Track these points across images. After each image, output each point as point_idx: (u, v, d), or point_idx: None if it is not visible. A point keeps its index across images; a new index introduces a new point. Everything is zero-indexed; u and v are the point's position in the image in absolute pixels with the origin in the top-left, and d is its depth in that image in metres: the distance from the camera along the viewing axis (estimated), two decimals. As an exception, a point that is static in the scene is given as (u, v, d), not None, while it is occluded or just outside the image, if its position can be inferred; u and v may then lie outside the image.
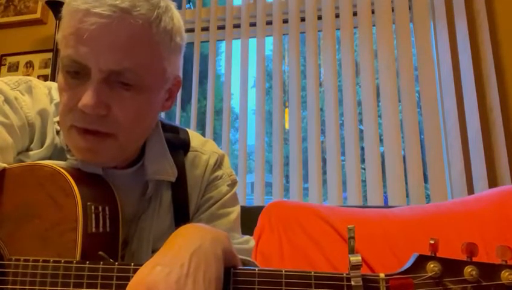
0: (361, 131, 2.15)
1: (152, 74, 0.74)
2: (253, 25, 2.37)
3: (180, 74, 0.84)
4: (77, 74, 0.70)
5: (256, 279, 0.63)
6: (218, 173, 0.93)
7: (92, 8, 0.67)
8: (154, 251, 0.81)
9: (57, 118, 0.81)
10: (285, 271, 0.63)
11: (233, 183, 0.95)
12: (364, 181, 2.07)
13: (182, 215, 0.88)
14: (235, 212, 0.93)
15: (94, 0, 0.67)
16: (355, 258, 0.60)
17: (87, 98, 0.68)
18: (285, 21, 2.33)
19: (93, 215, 0.71)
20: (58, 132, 0.80)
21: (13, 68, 2.57)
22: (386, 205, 1.95)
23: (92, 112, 0.69)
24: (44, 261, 0.67)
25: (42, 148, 0.79)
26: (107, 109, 0.70)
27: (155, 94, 0.77)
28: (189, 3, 3.11)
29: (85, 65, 0.69)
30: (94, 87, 0.69)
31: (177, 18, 0.78)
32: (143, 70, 0.71)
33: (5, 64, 2.60)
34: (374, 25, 2.19)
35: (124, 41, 0.68)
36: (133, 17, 0.68)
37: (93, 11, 0.67)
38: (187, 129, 0.97)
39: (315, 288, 0.61)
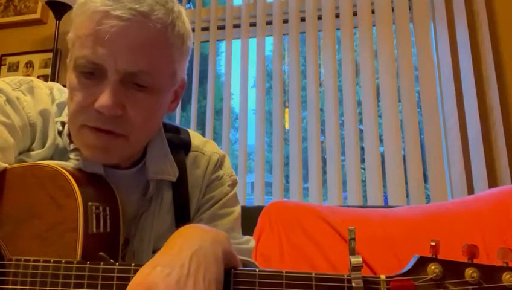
0: (361, 131, 2.16)
1: (164, 76, 0.75)
2: (253, 25, 2.37)
3: (185, 76, 0.85)
4: (92, 74, 0.71)
5: (257, 280, 0.63)
6: (219, 173, 0.93)
7: (112, 11, 0.68)
8: (155, 251, 0.81)
9: (59, 118, 0.81)
10: (286, 272, 0.63)
11: (233, 184, 0.95)
12: (364, 181, 2.07)
13: (182, 215, 0.88)
14: (236, 212, 0.93)
15: (113, 3, 0.68)
16: (356, 260, 0.60)
17: (104, 99, 0.69)
18: (285, 21, 2.33)
19: (94, 216, 0.71)
20: (59, 133, 0.81)
21: (13, 68, 2.57)
22: (386, 205, 1.95)
23: (109, 113, 0.69)
24: (44, 261, 0.67)
25: (43, 149, 0.79)
26: (122, 110, 0.71)
27: (164, 96, 0.78)
28: (189, 3, 3.11)
29: (101, 66, 0.69)
30: (111, 88, 0.69)
31: (187, 23, 0.79)
32: (156, 73, 0.73)
33: (5, 64, 2.60)
34: (374, 25, 2.19)
35: (142, 44, 0.70)
36: (151, 21, 0.70)
37: (113, 14, 0.68)
38: (188, 129, 0.97)
39: (315, 289, 0.61)
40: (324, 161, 2.19)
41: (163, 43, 0.73)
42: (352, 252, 0.61)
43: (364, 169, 2.12)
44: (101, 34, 0.68)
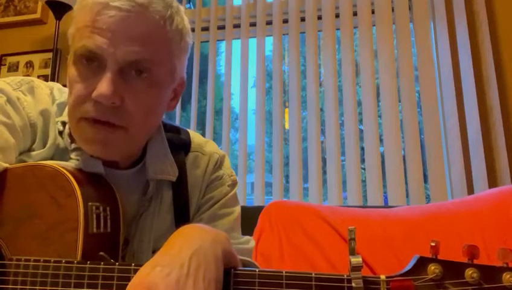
0: (361, 131, 2.16)
1: (164, 69, 0.76)
2: (253, 25, 2.37)
3: (185, 75, 0.85)
4: (90, 65, 0.71)
5: (257, 280, 0.63)
6: (219, 173, 0.93)
7: (111, 2, 0.69)
8: (154, 251, 0.82)
9: (59, 118, 0.81)
10: (286, 272, 0.63)
11: (233, 184, 0.95)
12: (364, 181, 2.07)
13: (182, 215, 0.88)
14: (236, 212, 0.93)
15: None
16: (356, 260, 0.60)
17: (103, 88, 0.69)
18: (285, 21, 2.33)
19: (94, 216, 0.71)
20: (60, 133, 0.81)
21: (13, 68, 2.57)
22: (386, 205, 1.95)
23: (107, 102, 0.69)
24: (45, 261, 0.67)
25: (44, 149, 0.79)
26: (120, 100, 0.71)
27: (164, 91, 0.78)
28: (189, 3, 3.11)
29: (100, 55, 0.70)
30: (110, 77, 0.69)
31: (186, 19, 0.80)
32: (156, 64, 0.73)
33: (5, 65, 2.60)
34: (374, 25, 2.19)
35: (141, 35, 0.71)
36: (150, 12, 0.71)
37: (112, 5, 0.69)
38: (188, 129, 0.97)
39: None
40: (324, 161, 2.19)
41: (162, 36, 0.74)
42: (352, 252, 0.61)
43: (364, 169, 2.12)
44: (99, 24, 0.69)
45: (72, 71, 0.73)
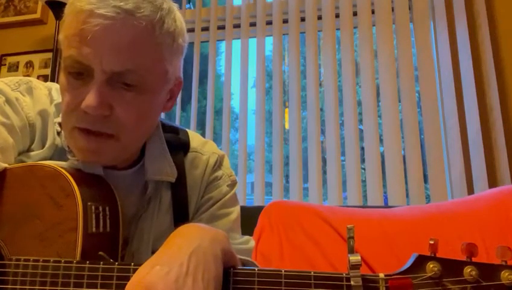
0: (361, 131, 2.16)
1: (154, 75, 0.74)
2: (253, 25, 2.37)
3: (181, 75, 0.84)
4: (80, 75, 0.70)
5: (256, 279, 0.63)
6: (218, 173, 0.93)
7: (96, 9, 0.67)
8: (154, 251, 0.81)
9: (58, 119, 0.81)
10: (285, 271, 0.63)
11: (233, 184, 0.95)
12: (364, 181, 2.07)
13: (181, 215, 0.88)
14: (235, 212, 0.93)
15: (98, 1, 0.67)
16: (355, 258, 0.60)
17: (90, 99, 0.68)
18: (285, 21, 2.33)
19: (94, 216, 0.71)
20: (58, 133, 0.81)
21: (13, 68, 2.57)
22: (386, 205, 1.95)
23: (95, 113, 0.69)
24: (44, 261, 0.67)
25: (43, 149, 0.79)
26: (109, 110, 0.70)
27: (157, 95, 0.77)
28: (189, 3, 3.12)
29: (88, 66, 0.69)
30: (97, 88, 0.69)
31: (179, 20, 0.78)
32: (145, 72, 0.72)
33: (5, 64, 2.60)
34: (374, 25, 2.19)
35: (127, 43, 0.69)
36: (136, 18, 0.69)
37: (97, 12, 0.67)
38: (187, 130, 0.97)
39: (314, 288, 0.61)
40: (324, 161, 2.19)
41: (151, 42, 0.71)
42: (351, 250, 0.61)
43: (364, 169, 2.12)
44: (85, 34, 0.67)
45: (62, 79, 0.73)
